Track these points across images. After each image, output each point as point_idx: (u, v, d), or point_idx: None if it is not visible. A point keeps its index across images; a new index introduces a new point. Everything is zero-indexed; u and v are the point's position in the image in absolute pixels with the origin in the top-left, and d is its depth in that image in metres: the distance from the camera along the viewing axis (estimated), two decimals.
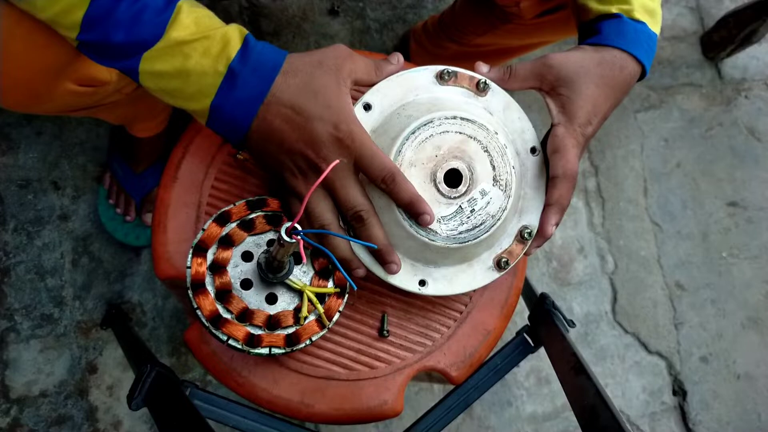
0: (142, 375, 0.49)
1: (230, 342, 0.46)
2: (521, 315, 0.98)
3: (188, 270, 0.47)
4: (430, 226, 0.47)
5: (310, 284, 0.49)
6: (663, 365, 1.13)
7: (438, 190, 0.47)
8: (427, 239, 0.47)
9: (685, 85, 1.26)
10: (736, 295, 1.18)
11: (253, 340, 0.47)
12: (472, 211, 0.48)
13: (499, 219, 0.48)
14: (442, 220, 0.47)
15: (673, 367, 1.13)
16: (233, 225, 0.50)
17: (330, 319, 0.49)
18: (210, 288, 0.47)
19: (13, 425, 0.87)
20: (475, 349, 0.57)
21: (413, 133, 0.47)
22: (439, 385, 1.00)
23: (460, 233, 0.48)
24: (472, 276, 0.51)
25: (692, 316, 1.15)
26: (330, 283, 0.50)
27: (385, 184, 0.45)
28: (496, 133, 0.48)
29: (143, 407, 0.49)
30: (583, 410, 0.47)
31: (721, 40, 1.23)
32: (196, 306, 0.46)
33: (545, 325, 0.58)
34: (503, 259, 0.51)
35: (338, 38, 1.08)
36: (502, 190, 0.48)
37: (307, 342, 0.48)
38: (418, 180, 0.47)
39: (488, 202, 0.48)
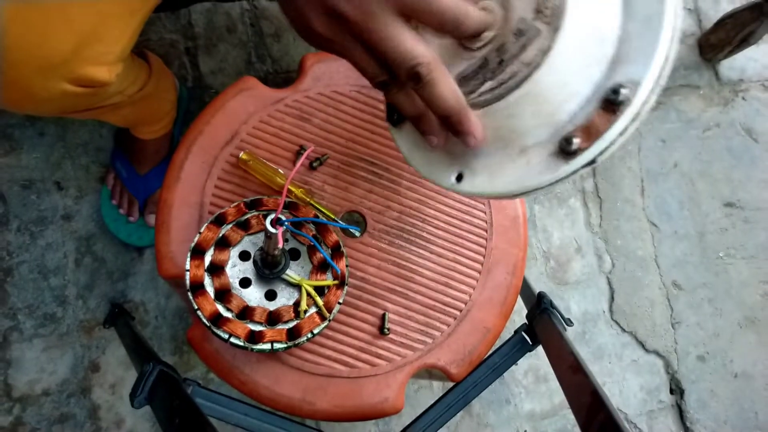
0: (145, 373, 0.50)
1: (232, 340, 0.47)
2: (519, 314, 0.99)
3: (187, 273, 0.48)
4: None
5: (309, 278, 0.50)
6: (660, 364, 1.13)
7: (459, 42, 0.35)
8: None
9: (683, 87, 1.26)
10: (733, 295, 1.19)
11: (254, 337, 0.47)
12: (501, 62, 0.33)
13: (536, 68, 0.32)
14: (462, 82, 0.35)
15: (671, 365, 1.14)
16: (229, 226, 0.51)
17: (330, 311, 0.50)
18: (209, 289, 0.48)
19: (15, 424, 0.88)
20: (475, 347, 0.58)
21: None
22: (438, 382, 1.00)
23: (481, 95, 0.34)
24: (524, 167, 0.34)
25: (689, 315, 1.16)
26: (328, 276, 0.51)
27: (413, 80, 0.33)
28: None
29: (146, 405, 0.49)
30: (581, 408, 0.48)
31: (718, 41, 1.23)
32: (196, 307, 0.47)
33: (543, 324, 0.58)
34: (570, 138, 0.32)
35: None
36: (546, 23, 0.32)
37: (309, 335, 0.48)
38: (438, 36, 0.35)
39: (524, 45, 0.33)
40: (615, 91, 0.30)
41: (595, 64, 0.31)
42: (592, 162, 0.32)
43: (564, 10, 0.32)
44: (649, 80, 0.30)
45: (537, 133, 0.33)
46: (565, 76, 0.32)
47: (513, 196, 0.35)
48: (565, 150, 0.32)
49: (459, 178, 0.37)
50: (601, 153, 0.32)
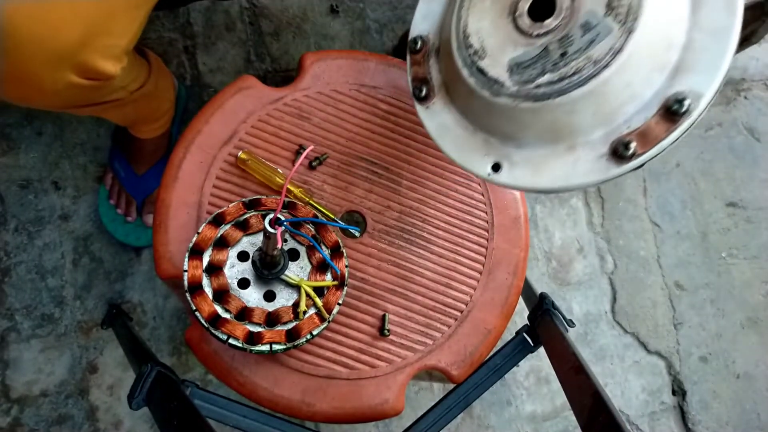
0: (143, 374, 0.49)
1: (230, 341, 0.46)
2: (521, 315, 0.98)
3: (185, 273, 0.47)
4: (491, 74, 0.33)
5: (308, 279, 0.50)
6: (662, 365, 1.13)
7: (516, 26, 0.34)
8: (488, 92, 0.34)
9: None
10: (736, 295, 1.18)
11: (253, 338, 0.47)
12: (564, 55, 0.32)
13: (605, 67, 0.31)
14: (515, 68, 0.33)
15: (673, 366, 1.13)
16: (227, 226, 0.50)
17: (329, 312, 0.49)
18: (207, 289, 0.48)
19: (13, 425, 0.87)
20: (476, 348, 0.57)
21: None
22: (438, 384, 1.00)
23: (538, 86, 0.33)
24: (572, 164, 0.34)
25: (691, 316, 1.16)
26: (328, 277, 0.50)
27: None
28: None
29: (144, 407, 0.49)
30: (583, 410, 0.47)
31: None
32: (194, 308, 0.47)
33: (545, 325, 0.58)
34: (628, 143, 0.32)
35: (338, 38, 1.08)
36: (619, 22, 0.31)
37: (308, 336, 0.48)
38: (493, 15, 0.34)
39: (592, 41, 0.32)
40: (679, 100, 0.30)
41: (659, 69, 0.31)
42: (641, 166, 0.32)
43: (640, 11, 0.31)
44: (711, 92, 0.30)
45: (592, 131, 0.33)
46: (632, 78, 0.31)
47: (554, 191, 0.35)
48: (619, 153, 0.32)
49: (496, 167, 0.36)
50: (654, 156, 0.32)
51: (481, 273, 0.59)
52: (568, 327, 0.57)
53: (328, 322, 0.49)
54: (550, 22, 0.33)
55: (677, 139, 0.31)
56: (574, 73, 0.32)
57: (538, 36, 0.33)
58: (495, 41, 0.35)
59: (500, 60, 0.35)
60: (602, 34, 0.31)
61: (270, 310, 0.48)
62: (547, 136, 0.34)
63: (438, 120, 0.42)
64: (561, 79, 0.32)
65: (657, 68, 0.31)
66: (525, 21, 0.33)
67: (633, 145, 0.32)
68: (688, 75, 0.31)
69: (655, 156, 0.32)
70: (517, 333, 0.60)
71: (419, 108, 0.44)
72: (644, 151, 0.32)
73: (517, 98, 0.33)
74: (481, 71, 0.36)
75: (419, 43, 0.44)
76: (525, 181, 0.35)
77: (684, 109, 0.30)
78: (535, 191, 0.37)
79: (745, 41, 1.20)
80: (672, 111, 0.31)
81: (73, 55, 0.47)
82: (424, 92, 0.43)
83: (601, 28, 0.31)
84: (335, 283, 0.50)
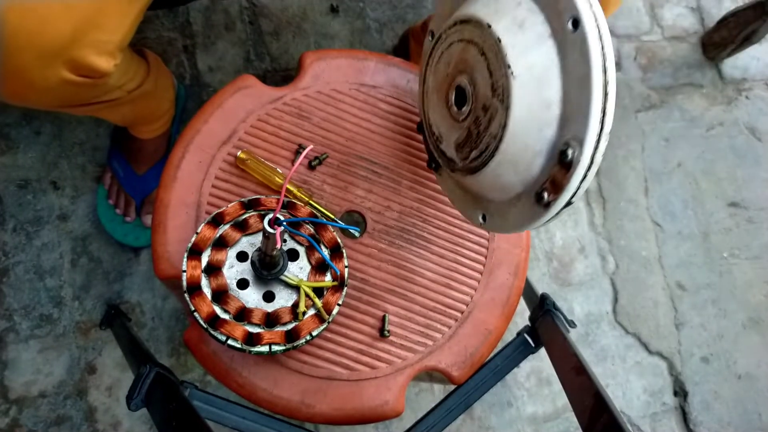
0: (142, 375, 0.49)
1: (229, 342, 0.46)
2: (522, 315, 0.98)
3: (183, 274, 0.47)
4: (448, 154, 0.41)
5: (308, 279, 0.49)
6: (664, 366, 1.12)
7: (451, 114, 0.41)
8: (449, 169, 0.42)
9: (686, 85, 1.25)
10: (737, 296, 1.18)
11: (252, 339, 0.47)
12: (478, 134, 0.39)
13: (500, 140, 0.37)
14: (458, 148, 0.41)
15: (674, 367, 1.13)
16: (226, 226, 0.50)
17: (329, 313, 0.49)
18: (206, 290, 0.47)
19: (12, 426, 0.87)
20: (476, 349, 0.57)
21: (430, 56, 0.42)
22: (439, 385, 0.99)
23: (472, 161, 0.40)
24: (520, 212, 0.40)
25: (693, 316, 1.15)
26: (327, 277, 0.50)
27: None
28: (489, 26, 0.37)
29: (142, 408, 0.49)
30: (584, 411, 0.47)
31: (721, 40, 1.22)
32: (193, 308, 0.46)
33: (546, 326, 0.58)
34: (542, 192, 0.37)
35: (338, 38, 1.08)
36: (500, 101, 0.37)
37: (308, 337, 0.47)
38: (439, 108, 0.41)
39: (490, 120, 0.38)
40: (563, 151, 0.35)
41: (546, 126, 0.36)
42: (568, 204, 0.37)
43: (510, 87, 0.36)
44: (591, 136, 0.33)
45: (520, 186, 0.39)
46: (526, 141, 0.36)
47: (520, 231, 0.42)
48: (541, 201, 0.37)
49: (484, 218, 0.44)
50: (570, 199, 0.36)
51: (481, 273, 0.59)
52: (569, 327, 0.57)
53: (328, 322, 0.49)
54: (465, 109, 0.39)
55: (584, 179, 0.35)
56: (486, 148, 0.38)
57: (463, 120, 0.40)
58: (444, 128, 0.43)
59: (450, 142, 0.43)
60: (493, 113, 0.37)
61: (269, 310, 0.48)
62: (498, 193, 0.41)
63: (445, 184, 0.52)
64: (480, 154, 0.39)
65: (545, 126, 0.36)
66: (454, 110, 0.41)
67: (545, 194, 0.37)
68: (570, 125, 0.35)
69: (570, 200, 0.36)
70: (518, 334, 0.60)
71: (436, 176, 0.55)
72: (556, 198, 0.36)
73: (464, 172, 0.41)
74: (443, 153, 0.44)
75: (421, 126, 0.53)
76: (500, 227, 0.43)
77: (569, 157, 0.34)
78: (510, 233, 0.45)
79: (746, 41, 1.19)
80: (564, 160, 0.35)
81: (64, 50, 0.47)
82: (434, 165, 0.54)
83: (492, 109, 0.37)
84: (335, 283, 0.50)
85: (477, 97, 0.39)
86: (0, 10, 0.42)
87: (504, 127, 0.37)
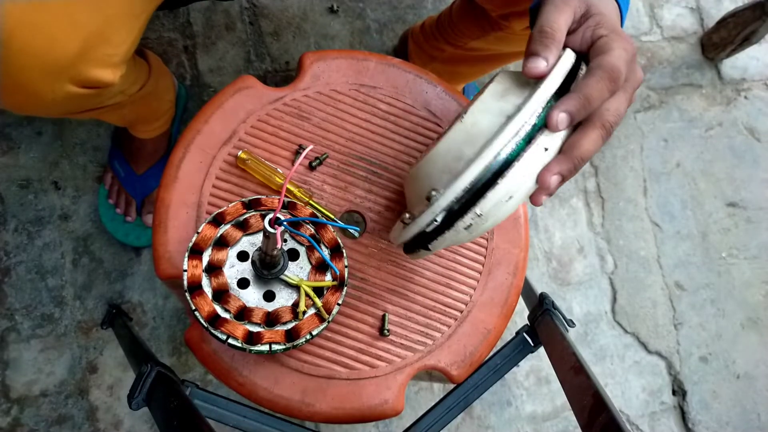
0: (143, 375, 0.49)
1: (230, 341, 0.46)
2: (521, 315, 0.98)
3: (184, 273, 0.47)
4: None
5: (308, 279, 0.49)
6: (662, 365, 1.13)
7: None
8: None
9: (685, 86, 1.26)
10: (736, 295, 1.18)
11: (252, 338, 0.47)
12: (427, 149, 0.50)
13: (422, 158, 0.47)
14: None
15: (673, 367, 1.13)
16: (227, 226, 0.50)
17: (329, 312, 0.49)
18: (207, 289, 0.47)
19: (13, 425, 0.87)
20: (476, 348, 0.57)
21: None
22: (439, 384, 1.00)
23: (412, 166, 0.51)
24: (399, 226, 0.49)
25: (692, 316, 1.16)
26: (327, 277, 0.50)
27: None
28: (492, 78, 0.45)
29: (144, 407, 0.49)
30: (583, 410, 0.47)
31: (720, 40, 1.23)
32: (194, 307, 0.46)
33: (545, 325, 0.58)
34: (406, 214, 0.47)
35: (338, 38, 1.08)
36: (445, 132, 0.46)
37: (308, 336, 0.48)
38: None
39: (433, 143, 0.48)
40: (428, 194, 0.42)
41: (447, 171, 0.42)
42: (425, 247, 0.44)
43: (452, 126, 0.43)
44: (450, 194, 0.40)
45: (411, 204, 0.47)
46: (429, 171, 0.43)
47: (393, 241, 0.49)
48: (403, 222, 0.45)
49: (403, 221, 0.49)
50: (425, 238, 0.43)
51: (480, 273, 0.59)
52: (568, 327, 0.57)
53: (328, 322, 0.49)
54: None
55: (432, 220, 0.41)
56: (416, 161, 0.48)
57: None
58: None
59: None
60: (436, 139, 0.45)
61: (269, 310, 0.48)
62: (408, 203, 0.49)
63: None
64: (416, 163, 0.47)
65: (445, 171, 0.42)
66: None
67: (407, 216, 0.44)
68: (451, 181, 0.40)
69: (425, 239, 0.43)
70: (517, 333, 0.60)
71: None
72: (408, 223, 0.44)
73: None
74: None
75: None
76: (391, 232, 0.50)
77: (431, 199, 0.41)
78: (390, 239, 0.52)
79: (745, 41, 1.20)
80: (428, 198, 0.42)
81: (71, 67, 0.47)
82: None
83: (439, 136, 0.46)
84: (335, 283, 0.50)
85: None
86: (7, 28, 0.42)
87: (429, 151, 0.44)
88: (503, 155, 0.39)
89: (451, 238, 0.42)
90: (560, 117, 0.38)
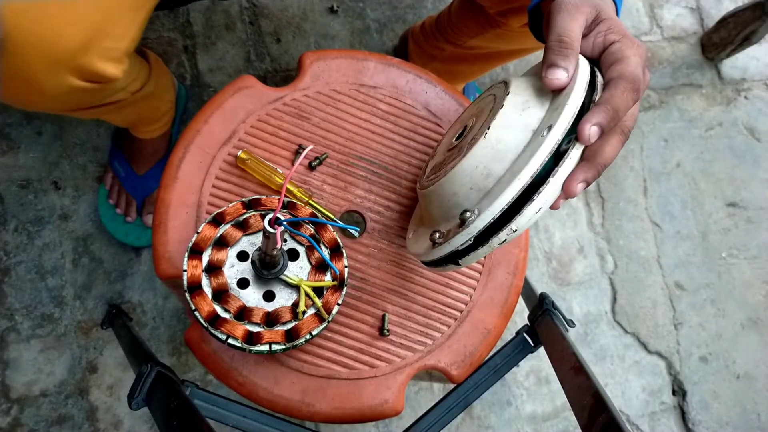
0: (143, 375, 0.49)
1: (230, 341, 0.46)
2: (521, 315, 0.98)
3: (184, 273, 0.47)
4: (426, 172, 0.48)
5: (308, 279, 0.49)
6: (662, 365, 1.13)
7: (450, 144, 0.49)
8: (419, 188, 0.50)
9: (685, 86, 1.26)
10: (736, 296, 1.18)
11: (252, 338, 0.47)
12: (444, 161, 0.49)
13: (444, 175, 0.46)
14: (433, 169, 0.50)
15: (673, 367, 1.13)
16: (227, 226, 0.50)
17: (329, 312, 0.49)
18: (207, 289, 0.47)
19: (13, 425, 0.87)
20: (476, 348, 0.57)
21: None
22: (438, 384, 1.00)
23: (429, 179, 0.49)
24: (423, 243, 0.48)
25: (692, 316, 1.15)
26: (327, 277, 0.50)
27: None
28: (508, 93, 0.45)
29: (144, 407, 0.49)
30: (583, 410, 0.47)
31: (720, 40, 1.23)
32: (193, 307, 0.46)
33: (545, 325, 0.58)
34: (435, 235, 0.46)
35: (338, 38, 1.08)
36: (468, 147, 0.45)
37: (307, 336, 0.48)
38: (447, 139, 0.49)
39: (455, 157, 0.47)
40: (462, 214, 0.41)
41: (476, 189, 0.42)
42: (455, 261, 0.43)
43: (477, 142, 0.41)
44: (486, 216, 0.39)
45: (438, 222, 0.46)
46: (456, 189, 0.43)
47: (416, 257, 0.49)
48: (433, 241, 0.44)
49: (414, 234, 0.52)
50: (456, 256, 0.42)
51: (480, 273, 0.59)
52: (568, 327, 0.57)
53: (328, 322, 0.49)
54: (456, 141, 0.48)
55: (464, 243, 0.41)
56: (436, 175, 0.46)
57: (450, 150, 0.48)
58: (439, 154, 0.51)
59: (433, 163, 0.51)
60: (458, 153, 0.44)
61: (269, 310, 0.48)
62: (426, 221, 0.49)
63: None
64: (435, 176, 0.47)
65: (475, 188, 0.41)
66: (454, 141, 0.48)
67: (437, 236, 0.43)
68: (485, 200, 0.40)
69: (455, 257, 0.42)
70: (517, 333, 0.60)
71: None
72: (440, 244, 0.43)
73: (422, 187, 0.48)
74: (425, 171, 0.52)
75: None
76: (410, 246, 0.51)
77: (466, 219, 0.40)
78: (410, 252, 0.51)
79: (745, 41, 1.20)
80: (462, 219, 0.41)
81: (74, 59, 0.47)
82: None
83: (461, 149, 0.44)
84: (334, 283, 0.50)
85: (466, 136, 0.45)
86: (9, 20, 0.43)
87: (452, 167, 0.43)
88: (538, 171, 0.39)
89: (483, 253, 0.42)
90: (593, 131, 0.38)
